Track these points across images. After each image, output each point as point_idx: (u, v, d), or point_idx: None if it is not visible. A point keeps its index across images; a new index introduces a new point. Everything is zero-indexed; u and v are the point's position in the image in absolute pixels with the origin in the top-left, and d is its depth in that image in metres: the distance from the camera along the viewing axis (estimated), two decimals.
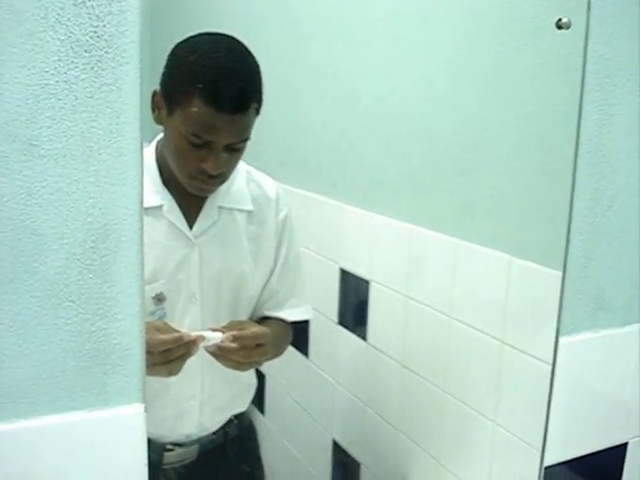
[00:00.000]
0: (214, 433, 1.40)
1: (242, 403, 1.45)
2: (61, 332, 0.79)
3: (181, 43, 1.19)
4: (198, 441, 1.39)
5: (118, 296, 0.80)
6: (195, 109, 1.15)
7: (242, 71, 1.19)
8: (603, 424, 1.24)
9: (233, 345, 1.20)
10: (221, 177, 1.24)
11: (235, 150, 1.22)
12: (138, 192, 0.79)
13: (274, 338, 1.31)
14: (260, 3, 1.37)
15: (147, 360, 0.95)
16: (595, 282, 1.18)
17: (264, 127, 1.24)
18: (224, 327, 1.23)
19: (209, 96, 1.14)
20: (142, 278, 0.82)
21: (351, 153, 1.61)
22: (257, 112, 1.22)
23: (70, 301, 0.78)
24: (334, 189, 1.66)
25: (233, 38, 1.20)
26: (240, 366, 1.25)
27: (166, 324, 1.20)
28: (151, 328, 1.12)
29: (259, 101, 1.21)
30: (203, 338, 1.18)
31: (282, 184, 1.42)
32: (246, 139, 1.22)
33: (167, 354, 1.14)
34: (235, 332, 1.21)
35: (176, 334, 1.16)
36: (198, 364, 1.24)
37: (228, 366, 1.23)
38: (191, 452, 1.39)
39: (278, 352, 1.39)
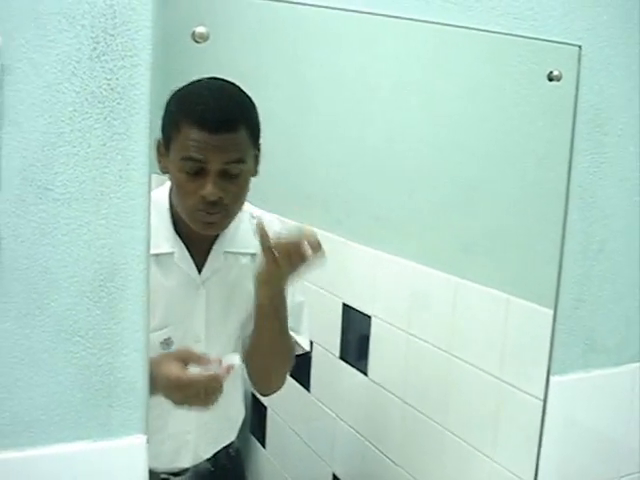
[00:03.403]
0: (207, 460, 1.44)
1: (232, 433, 1.49)
2: (70, 365, 0.83)
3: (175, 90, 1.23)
4: (192, 469, 1.42)
5: (124, 332, 0.84)
6: (185, 133, 1.17)
7: (227, 92, 1.21)
8: (595, 462, 1.26)
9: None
10: (222, 207, 1.23)
11: (232, 176, 1.22)
12: (145, 234, 0.83)
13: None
14: (269, 53, 1.42)
15: (179, 393, 1.06)
16: (586, 323, 1.21)
17: (270, 164, 1.27)
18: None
19: (195, 117, 1.17)
20: (147, 315, 0.85)
21: (356, 191, 1.64)
22: (252, 139, 1.23)
23: (79, 336, 0.82)
24: (338, 226, 1.69)
25: (226, 80, 1.22)
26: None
27: (188, 352, 1.19)
28: (177, 362, 1.14)
29: (251, 125, 1.23)
30: (232, 367, 1.17)
31: (287, 219, 1.45)
32: (239, 161, 1.22)
33: (204, 392, 1.16)
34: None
35: (210, 373, 1.15)
36: None
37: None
38: None
39: (283, 338, 1.38)
